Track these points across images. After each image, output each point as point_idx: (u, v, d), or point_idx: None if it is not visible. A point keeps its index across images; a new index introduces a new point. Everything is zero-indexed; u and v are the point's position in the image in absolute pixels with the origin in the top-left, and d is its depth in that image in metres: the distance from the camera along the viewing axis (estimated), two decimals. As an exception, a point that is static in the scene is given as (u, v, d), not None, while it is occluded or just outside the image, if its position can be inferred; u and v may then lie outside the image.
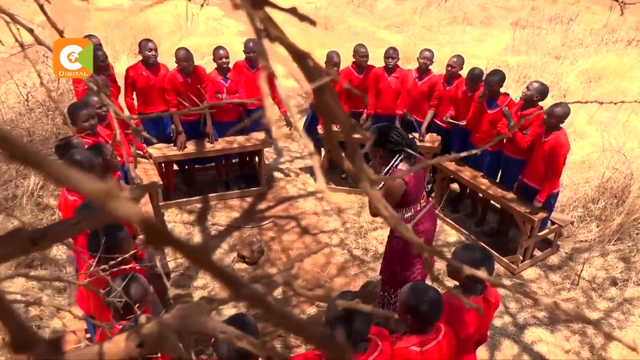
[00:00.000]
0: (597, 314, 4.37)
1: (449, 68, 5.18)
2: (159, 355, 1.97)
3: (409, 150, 3.28)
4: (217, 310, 3.90)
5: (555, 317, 4.28)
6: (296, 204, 5.67)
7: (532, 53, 10.18)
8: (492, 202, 5.18)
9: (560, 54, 10.15)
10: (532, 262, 4.86)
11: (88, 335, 3.13)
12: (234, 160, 5.99)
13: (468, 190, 5.56)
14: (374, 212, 3.34)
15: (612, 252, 5.01)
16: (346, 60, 5.57)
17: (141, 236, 3.91)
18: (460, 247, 2.60)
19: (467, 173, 5.09)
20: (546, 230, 4.78)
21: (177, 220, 5.28)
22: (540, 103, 4.54)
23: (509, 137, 4.63)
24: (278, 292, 4.38)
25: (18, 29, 0.93)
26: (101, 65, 4.58)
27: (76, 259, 3.33)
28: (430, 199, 5.39)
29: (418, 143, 5.32)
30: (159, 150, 5.18)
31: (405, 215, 3.42)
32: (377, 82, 5.42)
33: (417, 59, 5.37)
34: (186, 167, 5.82)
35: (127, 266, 1.54)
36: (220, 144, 5.39)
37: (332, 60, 5.26)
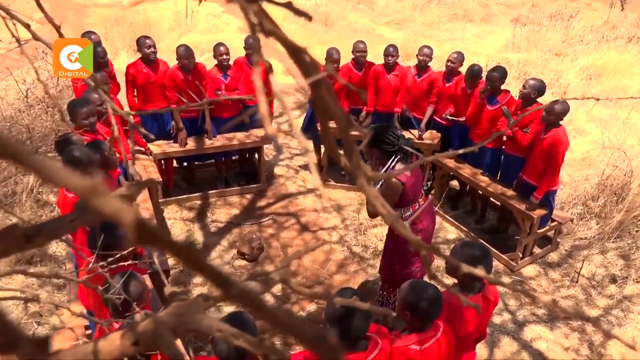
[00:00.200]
0: (596, 311, 4.37)
1: (449, 64, 5.17)
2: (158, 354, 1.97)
3: (407, 148, 3.27)
4: (217, 308, 3.90)
5: (555, 314, 4.28)
6: (296, 201, 5.67)
7: (532, 50, 10.16)
8: (491, 199, 5.18)
9: (561, 51, 10.13)
10: (532, 259, 4.86)
11: (88, 332, 3.13)
12: (233, 157, 5.98)
13: (468, 188, 5.56)
14: (372, 212, 3.34)
15: (611, 250, 5.01)
16: (346, 57, 5.56)
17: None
18: (459, 245, 2.60)
19: (466, 170, 5.08)
20: (546, 228, 4.78)
21: (176, 217, 5.28)
22: (539, 100, 4.54)
23: (509, 135, 4.63)
24: (278, 289, 4.38)
25: (15, 25, 0.92)
26: (101, 61, 4.57)
27: (76, 256, 3.32)
28: (430, 196, 5.38)
29: (417, 140, 5.33)
30: (158, 147, 5.17)
31: (404, 215, 3.42)
32: (377, 80, 5.41)
33: (416, 55, 5.36)
34: (185, 164, 5.81)
35: (126, 263, 1.53)
36: (219, 141, 5.38)
37: (332, 57, 5.25)
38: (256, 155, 5.86)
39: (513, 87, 5.07)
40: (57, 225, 0.56)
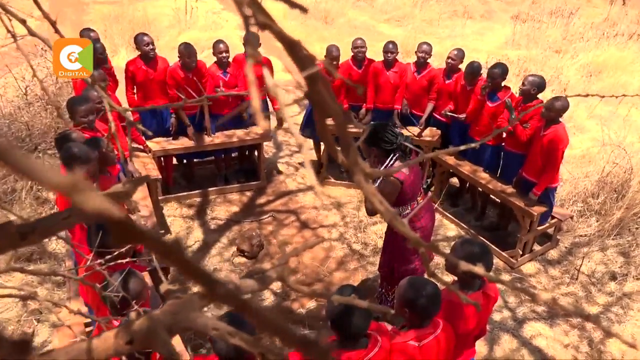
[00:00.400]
0: (596, 308, 4.37)
1: (449, 61, 5.15)
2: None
3: (407, 145, 3.26)
4: (218, 305, 3.90)
5: (555, 311, 4.28)
6: (295, 198, 5.67)
7: (532, 47, 10.15)
8: (491, 196, 5.17)
9: (561, 48, 10.11)
10: (532, 256, 4.85)
11: (88, 329, 3.13)
12: (233, 154, 5.97)
13: (468, 185, 5.56)
14: (371, 210, 3.33)
15: (611, 247, 5.01)
16: (346, 54, 5.55)
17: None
18: (459, 242, 2.59)
19: (466, 167, 5.08)
20: (546, 225, 4.77)
21: (176, 215, 5.28)
22: (540, 96, 4.53)
23: (509, 131, 4.62)
24: (277, 287, 4.38)
25: (10, 20, 0.92)
26: (100, 57, 4.55)
27: (75, 254, 3.32)
28: (430, 193, 5.38)
29: (417, 137, 5.32)
30: (157, 144, 5.16)
31: (403, 213, 3.41)
32: (377, 77, 5.40)
33: (416, 52, 5.35)
34: (185, 161, 5.80)
35: (125, 260, 1.53)
36: (219, 138, 5.38)
37: (332, 54, 5.24)
38: (256, 153, 5.85)
39: (513, 84, 5.06)
40: (51, 222, 0.55)
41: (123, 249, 1.37)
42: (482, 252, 2.47)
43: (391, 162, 3.28)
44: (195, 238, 4.96)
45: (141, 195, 4.35)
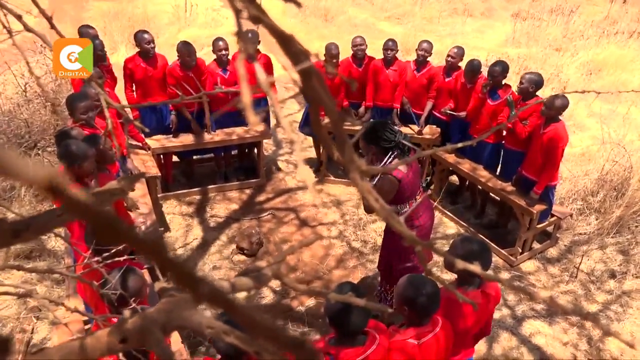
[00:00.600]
0: (595, 306, 4.37)
1: (449, 59, 5.14)
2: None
3: (406, 143, 3.26)
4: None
5: (554, 309, 4.28)
6: (295, 196, 5.66)
7: (532, 45, 10.13)
8: (491, 194, 5.17)
9: (561, 46, 10.10)
10: (531, 254, 4.85)
11: (87, 327, 3.13)
12: (233, 152, 5.97)
13: (467, 183, 5.55)
14: (369, 207, 3.32)
15: (611, 245, 5.01)
16: (346, 52, 5.54)
17: (142, 229, 3.90)
18: (458, 240, 2.59)
19: (466, 165, 5.07)
20: (545, 223, 4.77)
21: (175, 212, 5.28)
22: (538, 93, 4.52)
23: (509, 129, 4.61)
24: (277, 285, 4.38)
25: (6, 15, 0.91)
26: (99, 54, 4.54)
27: (73, 251, 3.32)
28: (429, 191, 5.38)
29: (417, 135, 5.32)
30: (157, 141, 5.16)
31: (401, 212, 3.40)
32: (376, 75, 5.39)
33: (416, 50, 5.33)
34: (185, 158, 5.79)
35: (123, 258, 1.52)
36: (219, 136, 5.37)
37: (331, 52, 5.22)
38: (255, 150, 5.84)
39: (513, 82, 5.05)
40: (45, 220, 0.55)
41: (121, 247, 1.37)
42: (481, 250, 2.47)
43: (389, 160, 3.27)
44: (194, 235, 4.95)
45: (140, 192, 4.35)
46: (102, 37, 5.22)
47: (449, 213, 5.39)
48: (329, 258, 4.76)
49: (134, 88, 5.08)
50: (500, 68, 4.63)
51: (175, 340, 2.84)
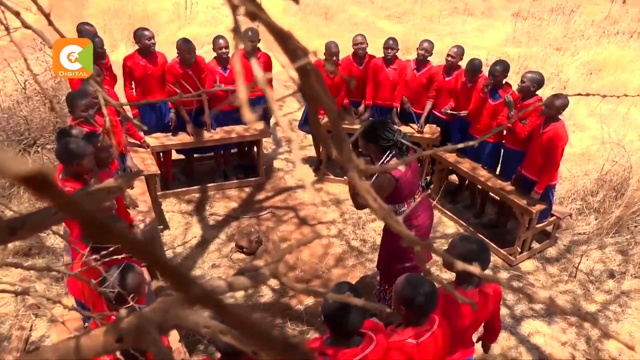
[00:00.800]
0: (594, 306, 4.37)
1: (449, 59, 5.13)
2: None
3: (405, 142, 3.25)
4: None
5: (553, 309, 4.28)
6: (294, 195, 5.66)
7: (533, 44, 10.12)
8: (490, 194, 5.16)
9: (561, 46, 10.09)
10: (530, 254, 4.85)
11: (86, 325, 3.12)
12: (232, 150, 5.96)
13: (467, 182, 5.55)
14: (360, 205, 3.31)
15: (610, 245, 5.01)
16: (346, 51, 5.53)
17: (140, 225, 3.90)
18: (457, 239, 2.58)
19: (466, 165, 5.07)
20: (544, 223, 4.77)
21: (175, 210, 5.27)
22: (539, 93, 4.51)
23: (509, 128, 4.61)
24: (276, 283, 4.37)
25: (4, 12, 0.90)
26: (98, 52, 4.52)
27: (71, 249, 3.31)
28: (429, 190, 5.37)
29: (417, 134, 5.31)
30: (156, 139, 5.15)
31: (399, 211, 3.39)
32: (376, 74, 5.38)
33: (416, 49, 5.33)
34: (187, 155, 5.78)
35: (121, 256, 1.52)
36: (218, 134, 5.36)
37: (330, 50, 5.22)
38: (255, 149, 5.84)
39: (513, 81, 5.05)
40: (42, 218, 0.54)
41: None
42: (480, 249, 2.47)
43: (387, 159, 3.27)
44: (193, 234, 4.95)
45: (140, 190, 4.35)
46: (101, 34, 5.21)
47: (448, 212, 5.39)
48: (328, 257, 4.76)
49: (133, 86, 5.06)
50: (501, 67, 4.62)
51: (174, 339, 2.84)
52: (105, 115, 1.02)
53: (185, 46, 4.85)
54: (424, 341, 2.25)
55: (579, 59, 9.34)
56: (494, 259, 4.72)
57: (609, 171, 5.37)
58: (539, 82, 4.39)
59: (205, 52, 7.05)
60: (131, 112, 5.22)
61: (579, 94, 1.41)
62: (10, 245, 4.18)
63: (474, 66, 4.86)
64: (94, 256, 1.43)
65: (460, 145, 1.04)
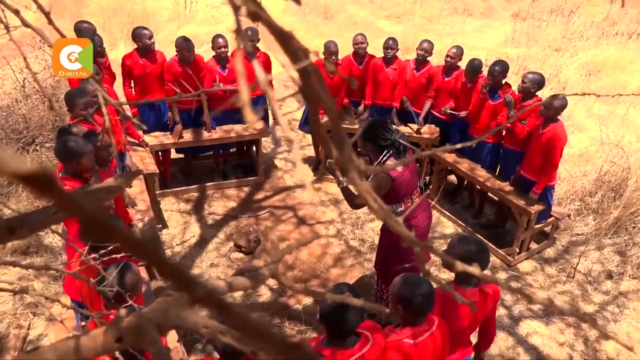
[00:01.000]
0: (592, 307, 4.38)
1: (448, 59, 5.13)
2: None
3: (403, 142, 3.26)
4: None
5: (550, 310, 4.28)
6: (293, 194, 5.66)
7: (532, 45, 10.12)
8: (489, 194, 5.17)
9: (560, 47, 10.09)
10: (529, 254, 4.86)
11: (83, 323, 3.12)
12: (231, 150, 5.96)
13: (465, 182, 5.55)
14: (356, 204, 3.31)
15: (608, 246, 5.02)
16: (345, 50, 5.53)
17: (139, 225, 3.90)
18: (456, 239, 2.58)
19: (464, 165, 5.07)
20: (543, 223, 4.77)
21: (173, 209, 5.27)
22: (539, 93, 4.52)
23: (508, 129, 4.61)
24: (274, 283, 4.37)
25: (3, 11, 0.90)
26: (98, 50, 4.51)
27: (66, 248, 3.31)
28: (428, 191, 5.37)
29: (416, 135, 5.31)
30: (155, 138, 5.14)
31: (396, 211, 3.39)
32: (376, 73, 5.38)
33: (416, 49, 5.33)
34: (187, 154, 5.77)
35: (119, 255, 1.52)
36: (217, 133, 5.36)
37: (330, 49, 5.21)
38: (254, 148, 5.83)
39: (512, 82, 5.05)
40: (41, 217, 0.54)
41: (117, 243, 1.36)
42: (479, 250, 2.47)
43: (384, 158, 3.28)
44: (192, 233, 4.95)
45: (138, 189, 4.34)
46: (101, 33, 5.20)
47: (447, 212, 5.39)
48: (326, 257, 4.76)
49: (132, 85, 5.05)
50: (501, 68, 4.62)
51: (172, 339, 2.84)
52: (105, 114, 1.02)
53: (184, 45, 4.84)
54: (421, 341, 2.25)
55: (578, 59, 9.35)
56: (492, 259, 4.72)
57: (608, 172, 5.37)
58: (540, 82, 4.40)
59: (205, 51, 7.04)
60: (130, 111, 5.21)
61: (575, 94, 1.41)
62: (8, 243, 4.17)
63: (474, 66, 4.86)
64: (92, 255, 1.42)
65: (459, 146, 1.04)
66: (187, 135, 5.24)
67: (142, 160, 4.76)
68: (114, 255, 1.42)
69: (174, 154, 5.70)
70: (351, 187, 3.38)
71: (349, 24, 11.17)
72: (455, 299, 2.32)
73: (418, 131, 5.35)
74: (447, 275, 4.40)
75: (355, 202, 3.29)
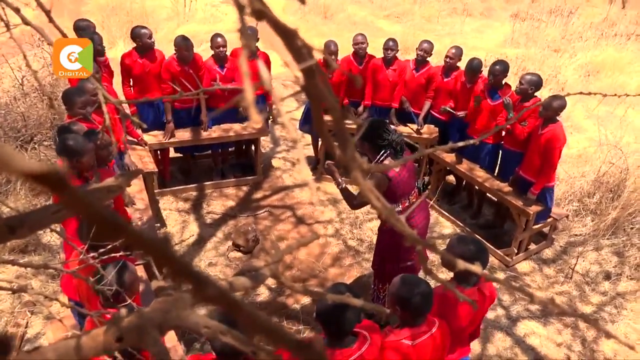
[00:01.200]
0: (589, 307, 4.38)
1: (447, 60, 5.13)
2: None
3: (400, 143, 3.26)
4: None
5: (549, 310, 4.29)
6: (292, 194, 5.65)
7: (531, 46, 10.13)
8: (487, 194, 5.17)
9: (560, 47, 10.10)
10: (527, 255, 4.86)
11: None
12: (230, 149, 5.95)
13: (464, 183, 5.55)
14: (354, 204, 3.32)
15: (606, 247, 5.02)
16: (345, 50, 5.53)
17: (137, 223, 3.89)
18: (455, 239, 2.58)
19: (463, 165, 5.07)
20: (541, 224, 4.78)
21: (172, 208, 5.26)
22: (537, 94, 4.52)
23: (508, 130, 4.61)
24: (272, 282, 4.37)
25: (4, 9, 0.90)
26: (98, 49, 4.51)
27: (64, 247, 3.30)
28: (427, 191, 5.37)
29: (416, 134, 5.31)
30: (154, 137, 5.14)
31: None
32: (375, 74, 5.38)
33: (416, 49, 5.32)
34: (185, 154, 5.76)
35: (118, 254, 1.52)
36: (216, 132, 5.35)
37: (329, 49, 5.21)
38: (253, 147, 5.83)
39: (511, 82, 5.06)
40: (41, 216, 0.54)
41: (117, 242, 1.36)
42: (478, 250, 2.47)
43: (381, 157, 3.28)
44: (190, 232, 4.94)
45: (137, 188, 4.34)
46: (100, 31, 5.18)
47: (445, 213, 5.39)
48: (324, 256, 4.76)
49: (131, 83, 5.04)
50: (502, 67, 4.62)
51: (171, 338, 2.83)
52: (105, 113, 1.02)
53: (183, 43, 4.83)
54: (420, 343, 2.24)
55: (577, 60, 9.36)
56: (490, 259, 4.72)
57: (606, 173, 5.38)
58: (537, 84, 4.40)
59: (204, 50, 7.03)
60: (129, 109, 5.20)
61: (581, 93, 1.41)
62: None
63: (473, 66, 4.85)
64: (90, 254, 1.42)
65: (461, 144, 1.04)
66: (186, 134, 5.23)
67: (141, 159, 4.76)
68: (112, 255, 1.42)
69: (172, 153, 5.69)
70: (350, 187, 3.39)
71: (349, 23, 11.17)
72: (455, 298, 2.32)
73: (418, 132, 5.35)
74: (445, 275, 4.40)
75: (353, 202, 3.29)
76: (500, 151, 4.95)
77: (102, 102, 0.97)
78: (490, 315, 4.16)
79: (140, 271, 3.28)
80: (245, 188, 5.70)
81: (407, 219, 3.43)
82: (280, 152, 6.48)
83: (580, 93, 1.17)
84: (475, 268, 0.60)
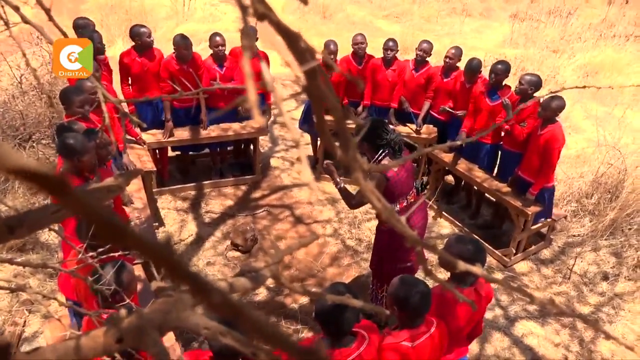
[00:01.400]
0: (587, 308, 4.39)
1: (447, 60, 5.13)
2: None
3: (398, 143, 3.26)
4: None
5: (546, 310, 4.29)
6: (290, 193, 5.65)
7: (530, 46, 10.14)
8: (486, 195, 5.17)
9: (558, 48, 10.11)
10: (525, 255, 4.86)
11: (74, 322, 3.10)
12: (229, 148, 5.95)
13: (463, 183, 5.56)
14: (353, 204, 3.31)
15: (604, 247, 5.03)
16: (344, 50, 5.52)
17: (136, 222, 3.89)
18: (453, 239, 2.59)
19: (462, 165, 5.07)
20: (539, 224, 4.78)
21: (170, 207, 5.26)
22: (537, 95, 4.52)
23: (507, 130, 4.61)
24: (271, 282, 4.37)
25: (3, 7, 0.90)
26: (98, 47, 4.49)
27: (62, 246, 3.29)
28: (426, 191, 5.37)
29: (415, 135, 5.31)
30: (153, 136, 5.13)
31: None
32: (375, 74, 5.38)
33: (415, 50, 5.32)
34: (184, 153, 5.76)
35: (117, 254, 1.52)
36: (215, 131, 5.34)
37: (329, 48, 5.20)
38: (251, 147, 5.82)
39: (510, 82, 5.06)
40: (40, 216, 0.53)
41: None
42: (476, 250, 2.47)
43: (379, 157, 3.28)
44: (189, 231, 4.94)
45: (135, 187, 4.33)
46: (99, 30, 5.17)
47: (444, 213, 5.39)
48: (323, 256, 4.76)
49: (129, 82, 5.03)
50: (504, 67, 4.61)
51: (169, 338, 2.83)
52: (105, 112, 1.01)
53: (182, 42, 4.82)
54: (420, 344, 2.24)
55: (575, 61, 9.37)
56: (488, 260, 4.73)
57: (604, 174, 5.39)
58: (537, 84, 4.40)
59: (203, 49, 7.02)
60: (127, 108, 5.19)
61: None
62: (4, 240, 4.15)
63: (473, 66, 4.85)
64: (89, 254, 1.42)
65: (459, 142, 1.04)
66: (185, 133, 5.23)
67: (139, 158, 4.75)
68: (110, 254, 1.42)
69: (171, 152, 5.68)
70: (348, 187, 3.39)
71: (348, 23, 11.16)
72: (453, 299, 2.32)
73: (417, 132, 5.35)
74: (443, 275, 4.40)
75: (352, 201, 3.29)
76: (500, 151, 4.95)
77: (102, 101, 0.97)
78: (488, 315, 4.16)
79: (138, 270, 3.28)
80: (243, 187, 5.70)
81: (406, 220, 3.43)
82: (279, 151, 6.48)
83: (576, 87, 1.17)
84: (476, 269, 0.60)
